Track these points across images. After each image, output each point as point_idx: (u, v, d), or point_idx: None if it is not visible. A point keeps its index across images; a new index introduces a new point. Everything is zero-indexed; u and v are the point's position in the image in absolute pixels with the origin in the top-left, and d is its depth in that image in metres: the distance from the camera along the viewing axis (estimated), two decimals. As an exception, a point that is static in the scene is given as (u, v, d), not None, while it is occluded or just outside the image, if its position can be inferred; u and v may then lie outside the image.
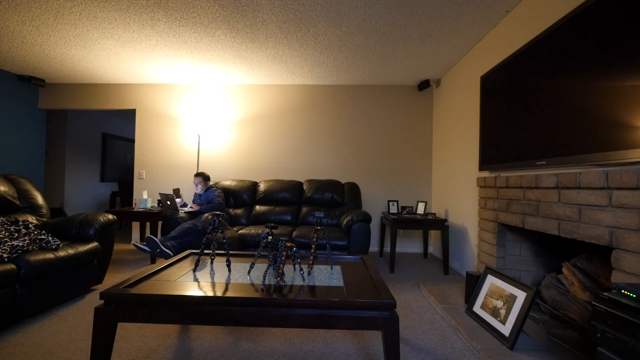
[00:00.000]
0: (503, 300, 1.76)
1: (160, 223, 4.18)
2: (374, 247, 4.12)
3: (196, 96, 4.23)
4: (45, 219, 2.54)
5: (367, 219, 2.92)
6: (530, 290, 1.63)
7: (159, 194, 3.35)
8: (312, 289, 1.38)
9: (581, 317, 1.67)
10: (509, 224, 2.06)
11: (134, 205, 3.88)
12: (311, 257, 1.69)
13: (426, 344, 1.71)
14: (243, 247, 2.92)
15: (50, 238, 2.12)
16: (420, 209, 3.56)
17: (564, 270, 1.84)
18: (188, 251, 2.02)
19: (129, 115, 5.86)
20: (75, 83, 4.32)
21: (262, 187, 3.73)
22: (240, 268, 1.69)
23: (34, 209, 2.53)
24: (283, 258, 1.47)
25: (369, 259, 1.93)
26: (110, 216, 2.54)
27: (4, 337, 1.68)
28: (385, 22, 2.55)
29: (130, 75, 3.96)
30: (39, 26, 2.74)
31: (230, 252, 2.05)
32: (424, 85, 3.90)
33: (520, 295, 1.66)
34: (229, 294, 1.28)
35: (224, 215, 3.28)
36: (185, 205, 3.57)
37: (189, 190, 4.18)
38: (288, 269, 1.68)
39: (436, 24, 2.55)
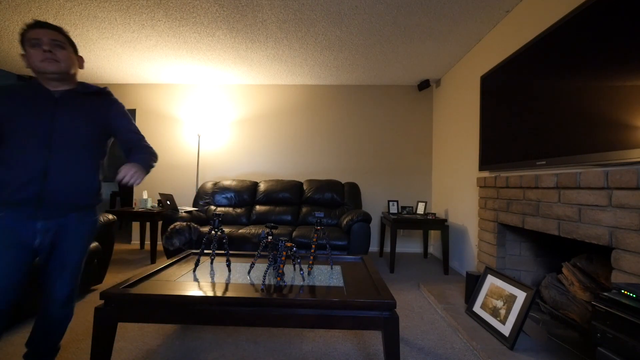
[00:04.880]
0: (503, 300, 1.76)
1: (160, 223, 4.18)
2: (374, 247, 4.12)
3: (196, 96, 4.23)
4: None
5: (367, 219, 2.92)
6: (530, 290, 1.63)
7: (159, 194, 3.35)
8: (312, 289, 1.38)
9: (581, 317, 1.67)
10: (509, 224, 2.06)
11: (134, 205, 3.88)
12: (311, 257, 1.69)
13: (426, 344, 1.71)
14: (241, 247, 2.91)
15: (50, 238, 2.10)
16: (420, 209, 3.56)
17: (564, 270, 1.84)
18: (188, 251, 2.02)
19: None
20: (75, 83, 4.32)
21: (262, 187, 3.73)
22: (240, 268, 1.69)
23: (34, 209, 2.53)
24: (283, 258, 1.47)
25: (369, 259, 1.93)
26: (110, 216, 2.54)
27: (4, 337, 1.68)
28: (386, 22, 2.55)
29: (130, 75, 3.96)
30: (39, 26, 2.74)
31: (230, 252, 2.05)
32: (424, 85, 3.90)
33: (520, 295, 1.66)
34: (229, 294, 1.28)
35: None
36: None
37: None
38: (288, 269, 1.68)
39: (436, 24, 2.55)
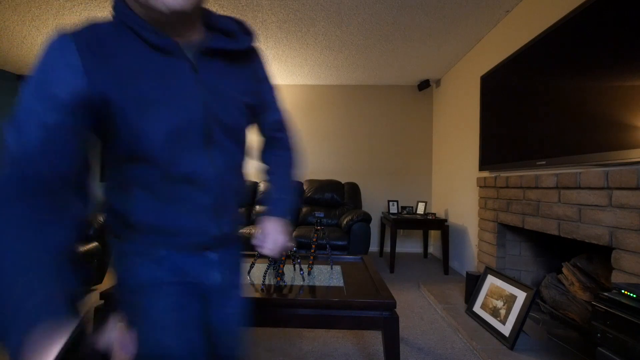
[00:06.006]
0: (503, 300, 1.76)
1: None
2: (374, 247, 4.12)
3: (196, 96, 4.23)
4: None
5: (367, 219, 2.92)
6: (530, 290, 1.63)
7: (159, 194, 3.35)
8: (312, 289, 1.38)
9: (581, 317, 1.67)
10: (509, 224, 2.06)
11: (134, 205, 3.87)
12: (311, 257, 1.69)
13: (426, 344, 1.71)
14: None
15: (50, 238, 2.10)
16: (420, 209, 3.56)
17: (564, 270, 1.84)
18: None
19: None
20: (75, 83, 4.31)
21: (262, 187, 3.73)
22: (240, 268, 1.69)
23: (34, 209, 2.53)
24: (283, 258, 1.47)
25: (369, 259, 1.92)
26: (110, 216, 2.54)
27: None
28: (385, 22, 2.55)
29: (130, 75, 3.96)
30: (39, 26, 2.74)
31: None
32: (424, 85, 3.89)
33: (520, 295, 1.66)
34: (229, 294, 1.28)
35: None
36: None
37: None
38: (288, 269, 1.68)
39: (436, 24, 2.55)
